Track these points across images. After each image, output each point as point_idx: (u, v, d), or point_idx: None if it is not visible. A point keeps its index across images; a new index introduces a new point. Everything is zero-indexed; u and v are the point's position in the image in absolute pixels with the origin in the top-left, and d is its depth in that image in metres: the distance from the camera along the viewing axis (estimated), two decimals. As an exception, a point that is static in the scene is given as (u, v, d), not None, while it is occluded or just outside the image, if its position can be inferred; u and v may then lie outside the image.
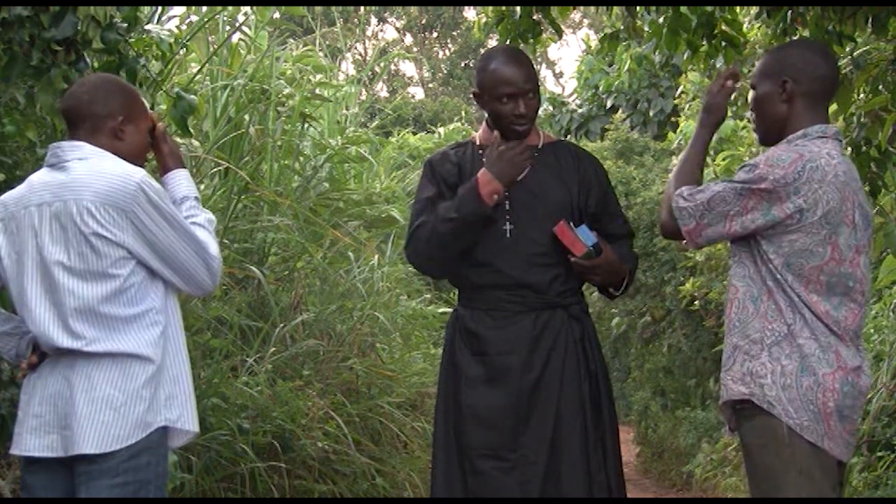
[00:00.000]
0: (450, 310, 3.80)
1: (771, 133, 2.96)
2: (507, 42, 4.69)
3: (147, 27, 4.44)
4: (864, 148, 4.57)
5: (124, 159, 2.84)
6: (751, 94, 3.01)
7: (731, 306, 2.91)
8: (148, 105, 3.07)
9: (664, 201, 3.00)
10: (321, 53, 9.62)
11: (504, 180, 3.29)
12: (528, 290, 3.34)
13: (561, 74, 28.00)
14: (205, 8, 6.98)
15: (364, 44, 26.67)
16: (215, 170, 6.94)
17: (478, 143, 3.49)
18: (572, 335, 3.36)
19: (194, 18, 7.05)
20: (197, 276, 2.84)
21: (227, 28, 7.81)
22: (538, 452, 3.27)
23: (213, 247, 2.87)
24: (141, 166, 2.92)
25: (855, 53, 4.45)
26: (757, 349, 2.80)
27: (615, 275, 3.40)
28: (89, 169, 2.77)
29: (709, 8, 4.49)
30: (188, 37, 6.41)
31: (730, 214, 2.83)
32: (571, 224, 3.33)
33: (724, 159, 7.40)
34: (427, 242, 3.35)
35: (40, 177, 2.83)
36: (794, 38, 4.39)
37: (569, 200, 3.41)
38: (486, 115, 3.48)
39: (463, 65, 27.00)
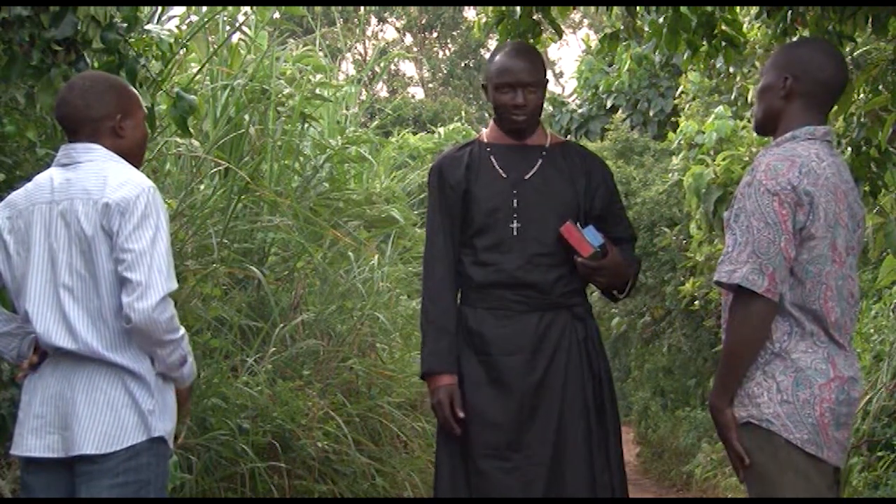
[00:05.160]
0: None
1: (766, 124, 2.94)
2: (507, 44, 4.69)
3: (147, 27, 4.43)
4: (864, 148, 4.57)
5: (127, 155, 2.86)
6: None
7: None
8: (144, 103, 3.07)
9: (728, 309, 2.83)
10: (321, 53, 9.61)
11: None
12: (532, 290, 3.33)
13: (561, 74, 27.97)
14: (205, 8, 6.98)
15: (364, 44, 26.67)
16: (215, 170, 6.93)
17: (485, 140, 3.47)
18: (576, 336, 3.36)
19: (194, 18, 7.05)
20: (150, 290, 2.67)
21: (227, 28, 7.81)
22: (542, 453, 3.27)
23: (170, 307, 2.72)
24: (142, 157, 2.95)
25: (855, 53, 4.45)
26: (751, 370, 2.80)
27: (620, 277, 3.39)
28: (99, 171, 2.78)
29: (709, 8, 4.49)
30: (188, 37, 6.40)
31: (778, 243, 2.71)
32: (578, 224, 3.32)
33: (724, 159, 7.39)
34: (425, 298, 3.44)
35: (50, 175, 2.84)
36: (795, 37, 4.39)
37: (575, 201, 3.40)
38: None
39: (463, 65, 26.98)
